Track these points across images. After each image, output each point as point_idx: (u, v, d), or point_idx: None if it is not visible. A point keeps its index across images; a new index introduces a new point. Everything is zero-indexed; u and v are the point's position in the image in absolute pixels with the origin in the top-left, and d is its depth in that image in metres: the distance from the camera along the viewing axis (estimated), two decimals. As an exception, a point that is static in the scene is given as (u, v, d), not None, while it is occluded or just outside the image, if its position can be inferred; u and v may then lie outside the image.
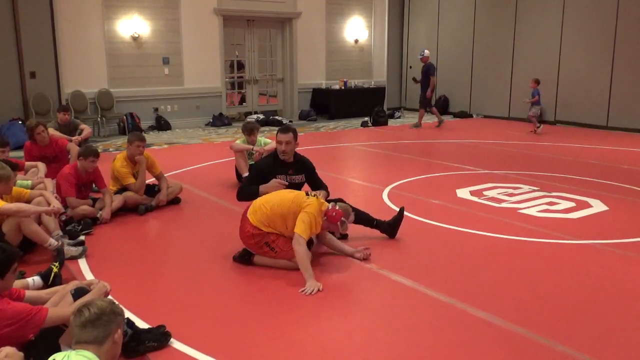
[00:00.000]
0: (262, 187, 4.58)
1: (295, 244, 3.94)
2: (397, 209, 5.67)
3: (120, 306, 2.41)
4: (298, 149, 4.90)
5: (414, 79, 12.51)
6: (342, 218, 4.09)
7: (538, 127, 11.32)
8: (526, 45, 13.12)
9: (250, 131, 6.74)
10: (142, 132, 11.03)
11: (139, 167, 5.76)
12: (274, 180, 4.61)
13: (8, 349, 2.71)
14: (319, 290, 3.76)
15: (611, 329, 3.30)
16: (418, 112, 12.63)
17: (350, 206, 4.43)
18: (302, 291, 3.74)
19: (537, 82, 11.48)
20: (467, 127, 12.69)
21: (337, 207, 4.11)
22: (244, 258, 4.32)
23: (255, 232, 4.17)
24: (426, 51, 12.46)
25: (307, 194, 4.26)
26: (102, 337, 2.25)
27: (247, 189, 4.70)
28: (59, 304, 2.98)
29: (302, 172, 4.81)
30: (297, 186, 4.74)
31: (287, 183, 4.64)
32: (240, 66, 13.67)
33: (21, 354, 2.69)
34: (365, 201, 5.97)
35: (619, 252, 4.57)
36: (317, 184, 4.88)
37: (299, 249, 3.92)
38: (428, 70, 12.13)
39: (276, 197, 4.23)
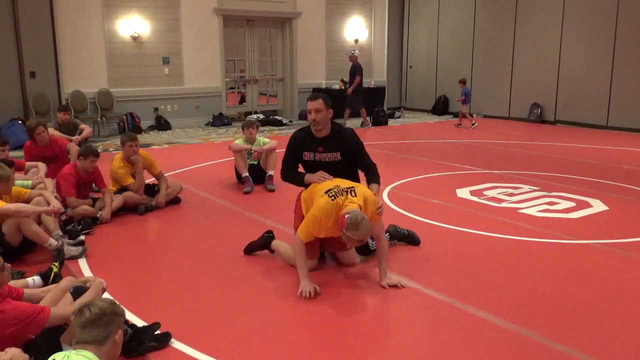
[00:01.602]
0: (306, 177, 4.12)
1: (293, 240, 3.85)
2: (398, 209, 5.68)
3: (121, 306, 2.41)
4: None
5: (342, 81, 12.21)
6: (344, 230, 3.49)
7: (473, 124, 12.24)
8: (526, 45, 13.12)
9: (248, 126, 6.75)
10: (142, 132, 11.09)
11: (136, 167, 5.75)
12: (319, 172, 4.06)
13: (14, 351, 2.71)
14: (316, 292, 3.65)
15: (611, 329, 3.30)
16: (361, 112, 12.40)
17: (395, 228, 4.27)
18: (300, 293, 3.65)
19: (464, 82, 12.60)
20: (467, 127, 12.69)
21: (347, 217, 3.49)
22: (262, 243, 4.41)
23: (298, 199, 4.14)
24: (356, 51, 12.31)
25: (327, 192, 3.72)
26: (102, 338, 2.25)
27: (293, 175, 4.24)
28: (59, 303, 2.98)
29: (336, 150, 4.10)
30: (334, 166, 4.11)
31: (330, 178, 3.99)
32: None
33: (26, 356, 2.69)
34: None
35: (619, 252, 4.57)
36: (363, 167, 4.19)
37: (295, 246, 3.81)
38: (355, 70, 11.99)
39: (320, 184, 3.98)
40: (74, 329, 2.27)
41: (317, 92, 4.24)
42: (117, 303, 2.39)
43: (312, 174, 4.11)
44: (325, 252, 4.29)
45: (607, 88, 11.77)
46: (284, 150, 4.36)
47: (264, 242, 4.46)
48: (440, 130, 12.21)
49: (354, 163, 4.23)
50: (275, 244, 4.41)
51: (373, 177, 4.18)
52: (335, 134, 4.17)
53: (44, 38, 10.28)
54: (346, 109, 12.38)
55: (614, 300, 3.68)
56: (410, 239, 4.69)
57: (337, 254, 4.25)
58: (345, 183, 3.89)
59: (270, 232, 4.55)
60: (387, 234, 4.50)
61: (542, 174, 7.44)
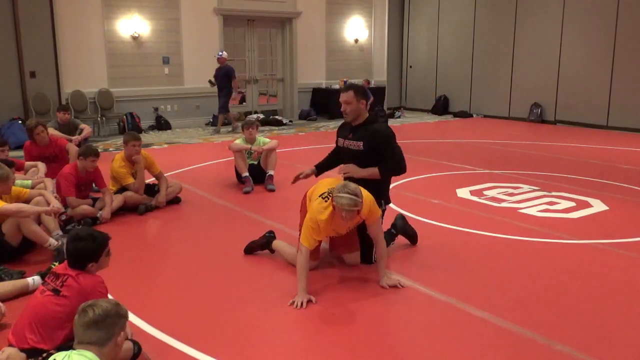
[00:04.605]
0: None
1: (298, 252, 3.78)
2: (398, 209, 5.68)
3: (125, 308, 2.40)
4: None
5: (210, 82, 11.47)
6: (335, 199, 3.55)
7: None
8: (526, 45, 13.12)
9: (248, 126, 6.74)
10: (142, 132, 11.08)
11: (137, 166, 5.75)
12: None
13: (10, 350, 2.72)
14: (310, 301, 3.59)
15: (611, 329, 3.30)
16: (219, 118, 11.52)
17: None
18: (291, 303, 3.58)
19: (368, 82, 13.25)
20: (467, 127, 12.69)
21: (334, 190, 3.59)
22: (262, 242, 4.43)
23: (304, 199, 4.14)
24: (224, 52, 11.44)
25: (321, 195, 3.78)
26: (104, 339, 2.24)
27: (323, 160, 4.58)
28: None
29: (361, 139, 4.17)
30: (356, 155, 4.20)
31: (343, 173, 4.23)
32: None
33: (23, 355, 2.70)
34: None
35: (619, 252, 4.57)
36: (381, 159, 4.15)
37: (298, 257, 3.73)
38: (229, 73, 11.17)
39: (323, 181, 4.06)
40: (76, 329, 2.26)
41: (349, 84, 4.36)
42: (121, 304, 2.38)
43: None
44: (333, 251, 4.32)
45: (607, 88, 11.77)
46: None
47: (265, 242, 4.46)
48: (440, 130, 12.21)
49: (378, 156, 4.16)
50: (276, 243, 4.42)
51: (380, 165, 4.13)
52: (367, 124, 4.23)
53: (44, 38, 10.28)
54: (220, 116, 11.49)
55: (614, 300, 3.68)
56: (411, 238, 4.69)
57: (343, 255, 4.25)
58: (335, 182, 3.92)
59: (271, 232, 4.55)
60: (393, 228, 4.54)
61: (542, 174, 7.44)
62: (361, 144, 4.18)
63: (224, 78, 11.25)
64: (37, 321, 2.80)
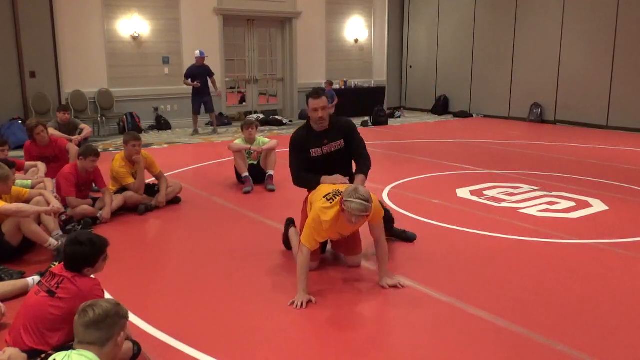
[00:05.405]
0: (323, 179, 4.09)
1: (299, 252, 3.76)
2: (398, 209, 5.67)
3: (125, 308, 2.39)
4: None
5: (196, 83, 11.04)
6: (344, 203, 3.49)
7: None
8: (526, 45, 13.12)
9: (247, 126, 6.75)
10: (142, 132, 11.08)
11: (137, 166, 5.75)
12: (337, 176, 4.07)
13: (11, 351, 2.72)
14: (310, 301, 3.59)
15: (611, 329, 3.30)
16: (213, 117, 11.46)
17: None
18: (291, 303, 3.58)
19: (330, 83, 12.80)
20: (467, 127, 12.69)
21: (342, 193, 3.55)
22: (286, 228, 4.51)
23: (305, 201, 4.18)
24: (204, 52, 11.13)
25: (326, 196, 3.74)
26: (104, 339, 2.24)
27: (308, 178, 4.18)
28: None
29: (339, 137, 4.21)
30: (340, 156, 4.24)
31: (345, 181, 4.05)
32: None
33: (24, 355, 2.70)
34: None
35: (619, 252, 4.57)
36: (356, 152, 4.30)
37: (298, 257, 3.72)
38: (208, 73, 11.09)
39: (325, 185, 3.99)
40: (76, 329, 2.26)
41: (316, 89, 4.27)
42: (121, 305, 2.38)
43: (328, 176, 4.09)
44: (335, 252, 4.33)
45: (607, 88, 11.77)
46: (288, 153, 4.35)
47: (285, 230, 4.51)
48: (440, 130, 12.21)
49: (350, 149, 4.30)
50: (291, 231, 4.43)
51: (361, 168, 4.25)
52: (334, 123, 4.29)
53: (44, 38, 10.28)
54: (211, 115, 11.41)
55: (614, 300, 3.68)
56: (402, 237, 4.70)
57: (345, 256, 4.25)
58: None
59: (290, 219, 4.54)
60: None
61: (542, 174, 7.44)
62: (342, 142, 4.25)
63: (205, 78, 11.12)
64: (31, 322, 2.80)
